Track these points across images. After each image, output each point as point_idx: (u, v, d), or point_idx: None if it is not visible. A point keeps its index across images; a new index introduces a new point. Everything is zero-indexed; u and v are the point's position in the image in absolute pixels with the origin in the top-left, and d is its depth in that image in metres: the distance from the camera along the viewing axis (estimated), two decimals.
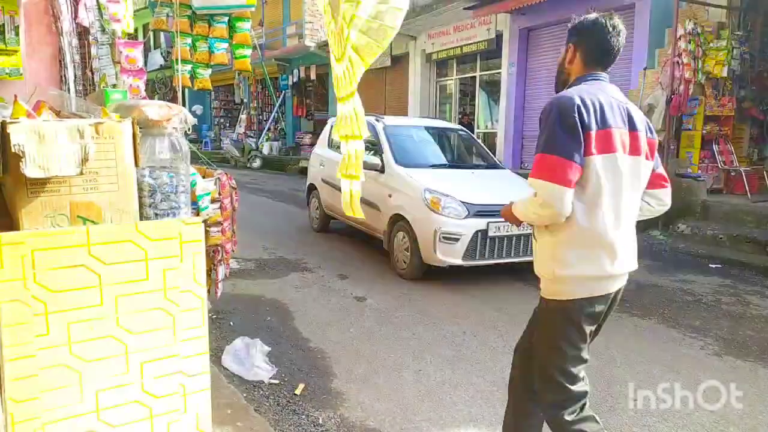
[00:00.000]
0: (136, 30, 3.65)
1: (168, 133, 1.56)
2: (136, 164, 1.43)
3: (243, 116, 22.57)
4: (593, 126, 1.78)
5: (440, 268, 5.14)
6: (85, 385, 1.39)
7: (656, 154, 1.98)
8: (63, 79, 3.01)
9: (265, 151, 19.43)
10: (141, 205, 1.46)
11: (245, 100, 22.61)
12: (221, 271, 3.84)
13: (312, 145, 18.34)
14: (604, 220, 1.81)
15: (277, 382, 3.18)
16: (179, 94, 4.60)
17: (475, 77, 13.48)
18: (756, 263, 5.80)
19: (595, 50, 2.03)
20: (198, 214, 2.36)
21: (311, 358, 3.55)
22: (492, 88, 13.05)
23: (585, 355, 1.97)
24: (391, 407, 2.94)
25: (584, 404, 1.99)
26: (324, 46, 17.38)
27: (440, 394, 3.09)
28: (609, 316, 2.03)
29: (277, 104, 20.75)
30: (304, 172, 16.55)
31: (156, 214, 1.48)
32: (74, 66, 3.01)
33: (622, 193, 1.84)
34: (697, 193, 7.35)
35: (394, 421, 2.80)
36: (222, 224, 3.93)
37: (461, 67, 14.03)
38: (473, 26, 12.50)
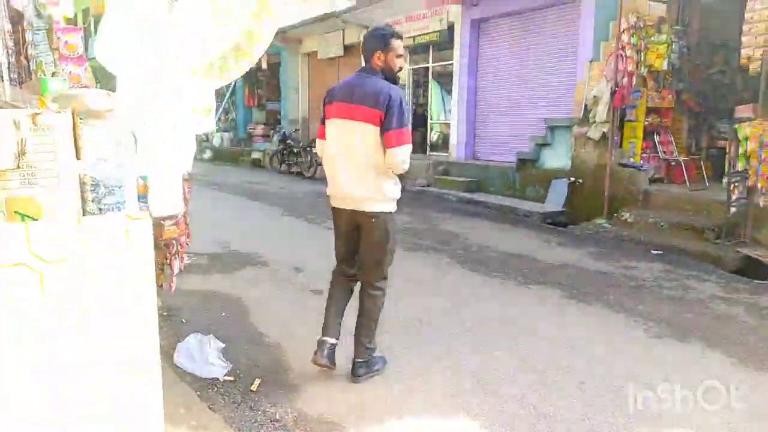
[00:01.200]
0: (75, 15, 3.46)
1: (112, 124, 1.49)
2: (78, 157, 1.36)
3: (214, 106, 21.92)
4: None
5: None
6: (25, 388, 1.32)
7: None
8: None
9: (216, 142, 18.97)
10: (84, 200, 1.39)
11: None
12: (176, 265, 3.74)
13: (264, 136, 18.07)
14: None
15: (232, 378, 3.12)
16: None
17: (428, 68, 13.54)
18: (694, 249, 6.11)
19: None
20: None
21: (268, 353, 3.50)
22: (445, 79, 13.14)
23: None
24: (349, 399, 2.94)
25: None
26: (279, 34, 17.05)
27: (397, 383, 3.12)
28: None
29: (228, 94, 20.26)
30: (257, 163, 16.32)
31: (100, 209, 1.41)
32: (7, 53, 2.82)
33: None
34: (640, 182, 7.67)
35: (352, 413, 2.80)
36: (177, 217, 3.82)
37: (414, 58, 14.04)
38: (425, 17, 12.52)
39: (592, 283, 5.12)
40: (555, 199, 8.54)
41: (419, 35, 12.94)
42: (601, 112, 8.15)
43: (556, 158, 9.27)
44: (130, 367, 1.43)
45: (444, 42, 12.40)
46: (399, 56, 2.95)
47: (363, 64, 3.00)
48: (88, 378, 1.40)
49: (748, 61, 6.47)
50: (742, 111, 7.39)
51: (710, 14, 8.58)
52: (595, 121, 8.31)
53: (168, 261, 3.40)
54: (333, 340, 3.10)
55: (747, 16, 6.44)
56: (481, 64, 11.69)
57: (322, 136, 3.04)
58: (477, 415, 2.80)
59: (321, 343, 3.09)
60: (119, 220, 1.40)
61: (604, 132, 8.12)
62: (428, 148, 13.42)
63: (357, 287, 3.24)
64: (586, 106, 8.62)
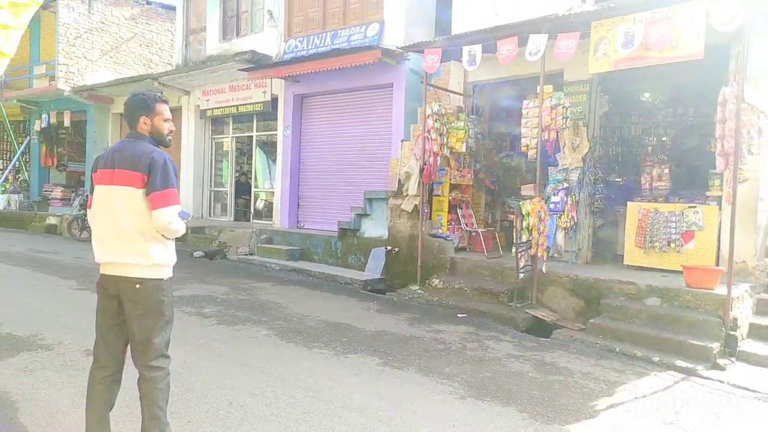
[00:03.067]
0: None
1: None
2: None
3: None
4: None
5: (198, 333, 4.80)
6: None
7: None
8: None
9: (1, 205, 16.40)
10: None
11: None
12: None
13: (64, 199, 16.11)
14: None
15: None
16: None
17: (252, 136, 13.54)
18: (493, 311, 6.76)
19: None
20: None
21: None
22: (269, 148, 13.24)
23: None
24: None
25: None
26: (82, 91, 15.71)
27: None
28: None
29: (20, 151, 17.86)
30: (52, 230, 14.38)
31: None
32: None
33: None
34: (447, 251, 8.36)
35: None
36: None
37: (238, 126, 13.99)
38: (249, 87, 12.66)
39: (406, 349, 5.32)
40: (374, 267, 8.89)
41: (242, 104, 12.99)
42: (413, 186, 8.85)
43: (375, 228, 9.73)
44: None
45: (268, 112, 12.59)
46: (166, 120, 2.90)
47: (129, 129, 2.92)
48: None
49: (527, 149, 7.63)
50: (526, 190, 8.65)
51: (498, 107, 10.04)
52: (408, 195, 8.97)
53: None
54: None
55: (523, 111, 7.66)
56: (304, 137, 12.06)
57: (90, 205, 2.92)
58: None
59: None
60: None
61: (416, 204, 8.79)
62: (251, 216, 13.19)
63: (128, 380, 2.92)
64: (399, 180, 9.30)
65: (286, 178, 12.01)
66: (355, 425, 3.54)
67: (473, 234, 9.14)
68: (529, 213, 7.01)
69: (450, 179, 9.18)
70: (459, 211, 9.25)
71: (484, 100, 9.90)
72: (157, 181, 2.68)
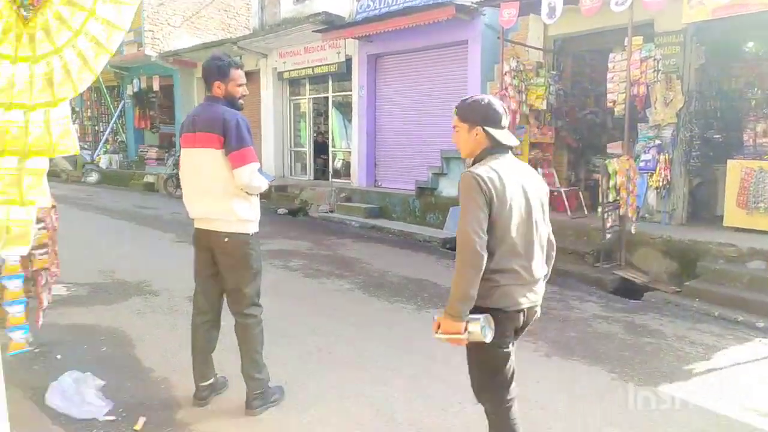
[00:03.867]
0: None
1: None
2: None
3: (75, 126, 20.36)
4: None
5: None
6: None
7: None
8: None
9: (103, 164, 17.71)
10: None
11: (77, 109, 20.42)
12: (45, 298, 3.41)
13: (158, 159, 17.15)
14: None
15: (112, 418, 2.87)
16: None
17: (327, 97, 13.69)
18: (578, 272, 6.60)
19: None
20: None
21: (154, 389, 3.26)
22: (345, 108, 13.34)
23: None
24: None
25: None
26: (168, 56, 16.42)
27: (294, 415, 3.02)
28: None
29: (116, 115, 19.08)
30: (150, 187, 15.39)
31: None
32: None
33: None
34: None
35: None
36: (48, 245, 3.51)
37: (314, 87, 14.15)
38: (324, 48, 12.66)
39: None
40: (453, 226, 8.88)
41: (318, 66, 13.06)
42: None
43: (452, 187, 9.67)
44: None
45: (343, 73, 12.60)
46: (239, 85, 3.00)
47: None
48: None
49: (614, 105, 7.22)
50: (612, 147, 8.22)
51: (581, 62, 9.51)
52: None
53: (37, 293, 3.10)
54: (207, 382, 3.09)
55: (610, 65, 7.21)
56: (379, 97, 12.01)
57: (179, 167, 3.16)
58: None
59: (197, 388, 3.08)
60: None
61: None
62: (330, 175, 13.47)
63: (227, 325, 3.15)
64: None
65: (362, 138, 12.10)
66: (440, 376, 3.64)
67: (555, 193, 8.86)
68: (616, 172, 6.69)
69: (530, 138, 8.89)
70: (539, 171, 8.97)
71: (566, 54, 9.39)
72: (233, 142, 2.81)
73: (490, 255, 2.13)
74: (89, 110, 20.49)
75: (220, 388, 3.20)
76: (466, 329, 2.10)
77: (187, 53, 16.16)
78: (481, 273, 2.09)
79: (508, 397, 2.32)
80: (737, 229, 6.66)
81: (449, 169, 9.80)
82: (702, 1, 5.87)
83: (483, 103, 2.23)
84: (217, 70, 2.95)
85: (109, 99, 19.20)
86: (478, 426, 2.96)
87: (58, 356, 3.60)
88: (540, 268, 2.27)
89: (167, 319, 4.50)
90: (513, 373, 2.31)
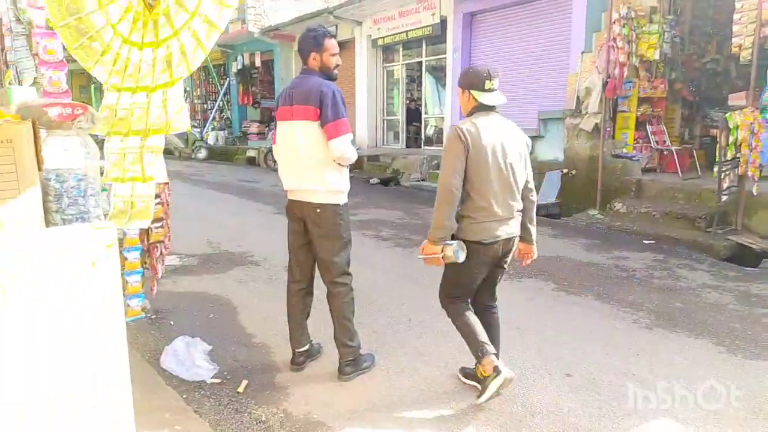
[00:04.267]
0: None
1: (74, 133, 1.48)
2: (39, 167, 1.35)
3: (186, 105, 21.84)
4: None
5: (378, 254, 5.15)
6: None
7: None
8: None
9: (211, 141, 18.92)
10: (46, 211, 1.39)
11: (188, 89, 21.90)
12: (159, 268, 3.75)
13: (259, 134, 18.04)
14: None
15: (219, 381, 3.13)
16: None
17: (421, 62, 13.51)
18: (686, 238, 6.11)
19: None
20: None
21: (255, 354, 3.51)
22: (439, 73, 13.11)
23: None
24: (335, 399, 2.95)
25: None
26: (269, 31, 17.00)
27: (385, 382, 3.13)
28: None
29: (222, 92, 20.20)
30: (252, 162, 16.26)
31: (63, 220, 1.41)
32: None
33: None
34: (632, 172, 7.65)
35: (338, 413, 2.81)
36: (162, 219, 3.83)
37: (407, 52, 14.03)
38: (418, 11, 12.49)
39: (583, 275, 5.12)
40: (548, 191, 8.54)
41: (412, 30, 12.91)
42: (594, 103, 8.14)
43: (550, 150, 9.25)
44: (96, 393, 1.42)
45: (437, 36, 12.37)
46: (333, 55, 3.04)
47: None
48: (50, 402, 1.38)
49: (740, 50, 6.45)
50: (735, 99, 7.37)
51: (702, 4, 8.54)
52: (587, 113, 8.29)
53: (152, 264, 3.41)
54: (303, 348, 3.26)
55: (737, 5, 6.42)
56: (474, 57, 11.65)
57: (274, 141, 3.23)
58: (465, 413, 2.81)
59: (294, 354, 3.26)
60: (82, 231, 1.40)
61: (596, 123, 8.11)
62: (423, 143, 13.41)
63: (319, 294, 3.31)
64: (578, 97, 8.60)
65: (456, 102, 11.85)
66: (530, 346, 3.57)
67: (665, 153, 8.19)
68: (737, 126, 6.03)
69: (638, 92, 8.23)
70: (648, 128, 8.31)
71: None
72: (329, 113, 2.87)
73: (469, 196, 2.72)
74: (198, 89, 21.86)
75: (315, 354, 3.37)
76: (442, 251, 2.71)
77: (287, 27, 16.62)
78: (455, 207, 2.69)
79: (466, 306, 3.00)
80: None
81: (546, 130, 9.36)
82: None
83: (469, 71, 2.82)
84: (312, 40, 3.01)
85: (216, 78, 20.31)
86: (571, 399, 2.89)
87: (171, 322, 3.98)
88: (516, 205, 2.81)
89: (267, 288, 4.79)
90: (475, 289, 2.98)
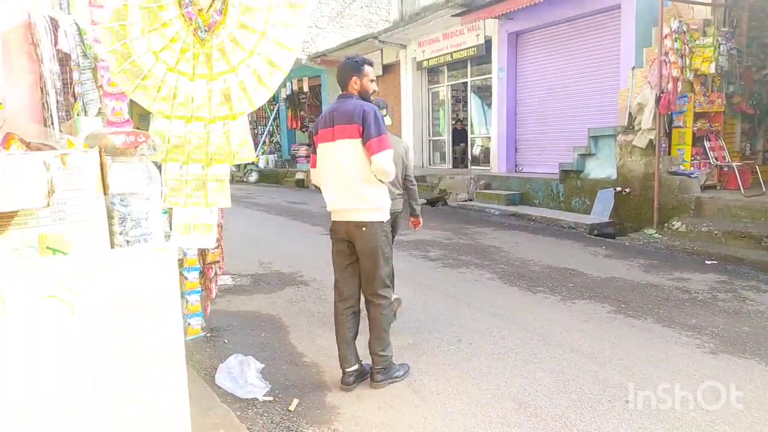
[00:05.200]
0: None
1: (137, 160, 1.57)
2: (105, 192, 1.43)
3: (250, 138, 22.62)
4: None
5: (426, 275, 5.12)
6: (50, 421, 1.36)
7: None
8: (45, 106, 3.02)
9: (261, 164, 19.46)
10: (111, 233, 1.46)
11: None
12: (213, 289, 3.85)
13: (307, 156, 18.43)
14: None
15: (271, 399, 3.17)
16: None
17: (466, 83, 13.53)
18: (752, 258, 5.79)
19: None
20: None
21: (306, 373, 3.54)
22: (484, 93, 13.09)
23: None
24: (386, 419, 2.93)
25: None
26: (316, 57, 17.47)
27: (435, 404, 3.08)
28: None
29: (272, 117, 20.80)
30: (300, 184, 16.63)
31: (127, 242, 1.48)
32: (56, 92, 3.02)
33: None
34: (691, 190, 7.35)
35: None
36: (218, 241, 3.95)
37: (452, 74, 14.09)
38: (462, 33, 12.55)
39: (641, 297, 4.92)
40: (601, 210, 8.30)
41: (456, 51, 12.98)
42: (647, 119, 7.91)
43: (601, 168, 9.02)
44: (156, 408, 1.46)
45: (482, 56, 12.38)
46: (372, 80, 3.22)
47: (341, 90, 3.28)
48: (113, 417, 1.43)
49: None
50: None
51: (761, 14, 8.21)
52: (640, 129, 8.06)
53: (208, 284, 3.51)
54: (353, 368, 3.29)
55: None
56: (520, 76, 11.59)
57: (314, 165, 3.33)
58: None
59: (343, 373, 3.29)
60: (146, 252, 1.46)
61: (650, 139, 7.87)
62: (469, 163, 13.34)
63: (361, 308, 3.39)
64: (630, 114, 8.38)
65: (502, 122, 11.78)
66: (586, 371, 3.45)
67: (725, 169, 7.83)
68: None
69: (694, 107, 7.93)
70: (706, 144, 7.98)
71: (741, 6, 8.18)
72: (372, 130, 3.00)
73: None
74: (249, 115, 22.56)
75: (365, 375, 3.37)
76: None
77: (333, 53, 17.06)
78: None
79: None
80: None
81: (597, 148, 9.14)
82: None
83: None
84: (354, 65, 3.18)
85: (266, 103, 20.97)
86: (631, 427, 2.77)
87: (226, 341, 4.07)
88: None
89: (317, 308, 4.83)
90: None
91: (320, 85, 18.47)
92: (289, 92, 19.45)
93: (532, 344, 3.90)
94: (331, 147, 3.13)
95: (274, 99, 21.04)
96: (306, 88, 18.77)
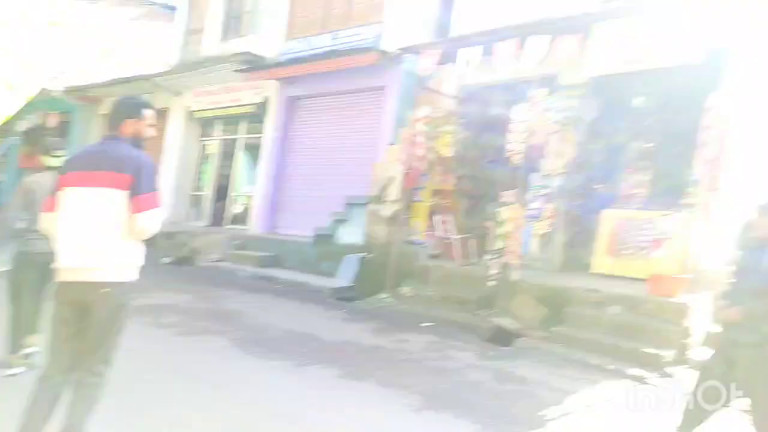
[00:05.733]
0: None
1: None
2: None
3: None
4: None
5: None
6: None
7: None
8: None
9: None
10: None
11: None
12: None
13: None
14: None
15: None
16: None
17: (236, 139, 13.40)
18: (460, 320, 6.66)
19: None
20: None
21: None
22: (254, 151, 13.05)
23: None
24: None
25: None
26: (75, 91, 15.57)
27: None
28: None
29: None
30: None
31: None
32: None
33: None
34: (421, 258, 8.25)
35: None
36: None
37: (226, 128, 13.82)
38: (241, 89, 12.44)
39: (368, 360, 5.21)
40: (346, 275, 8.75)
41: (233, 106, 12.83)
42: (394, 192, 8.75)
43: (352, 234, 9.59)
44: None
45: (257, 115, 12.38)
46: (150, 125, 2.95)
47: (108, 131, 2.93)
48: None
49: (513, 155, 7.52)
50: (507, 196, 8.49)
51: (487, 113, 9.84)
52: (388, 200, 8.87)
53: None
54: None
55: (512, 117, 7.54)
56: (292, 139, 11.88)
57: (51, 209, 2.79)
58: None
59: None
60: None
61: (395, 210, 8.69)
62: (226, 221, 12.98)
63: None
64: (382, 186, 9.17)
65: (268, 182, 11.85)
66: None
67: (447, 241, 9.01)
68: (506, 220, 6.91)
69: (432, 185, 9.06)
70: (436, 218, 9.12)
71: (476, 104, 9.72)
72: (143, 184, 2.69)
73: None
74: None
75: None
76: None
77: (94, 89, 15.44)
78: None
79: None
80: (605, 275, 7.01)
81: (352, 215, 9.75)
82: (604, 56, 6.42)
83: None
84: (134, 107, 2.91)
85: None
86: None
87: None
88: None
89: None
90: None
91: (69, 122, 16.44)
92: (31, 125, 16.85)
93: (256, 420, 3.66)
94: (86, 193, 2.69)
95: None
96: (53, 124, 16.49)
